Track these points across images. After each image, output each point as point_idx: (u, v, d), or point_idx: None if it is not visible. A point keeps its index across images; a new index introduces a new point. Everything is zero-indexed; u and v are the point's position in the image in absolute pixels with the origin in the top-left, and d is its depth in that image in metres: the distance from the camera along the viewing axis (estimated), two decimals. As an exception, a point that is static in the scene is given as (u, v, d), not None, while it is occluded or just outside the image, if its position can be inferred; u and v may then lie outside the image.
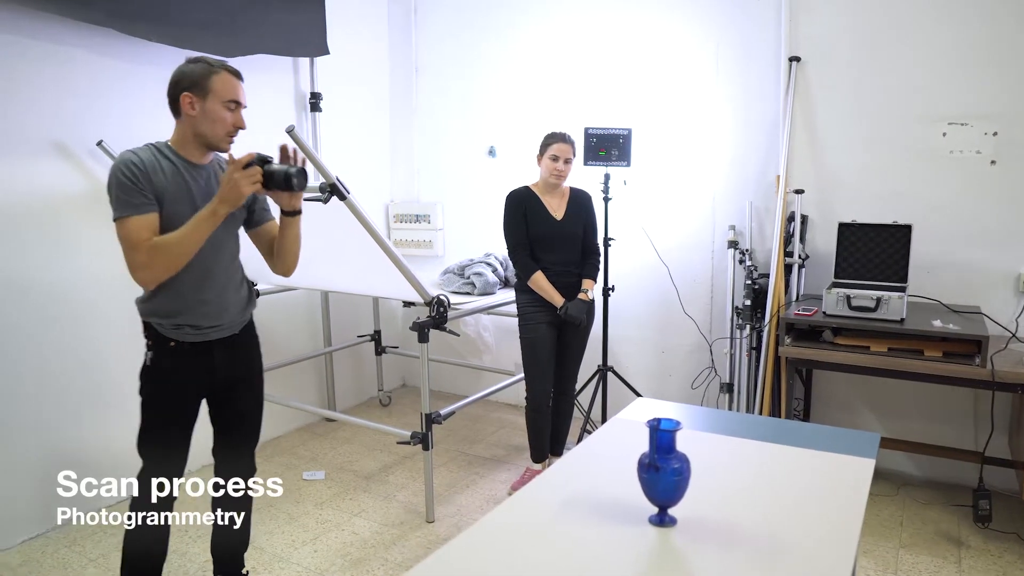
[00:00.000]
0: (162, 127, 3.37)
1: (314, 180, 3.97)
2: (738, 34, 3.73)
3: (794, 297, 3.54)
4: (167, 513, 2.33)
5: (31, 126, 2.95)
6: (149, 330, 2.24)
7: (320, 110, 4.11)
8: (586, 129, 3.66)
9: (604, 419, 3.96)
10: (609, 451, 2.01)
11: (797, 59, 3.56)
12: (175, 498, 2.33)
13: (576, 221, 3.39)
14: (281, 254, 2.35)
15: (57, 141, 3.03)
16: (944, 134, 3.35)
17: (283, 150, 2.18)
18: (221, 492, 2.47)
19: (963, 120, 3.31)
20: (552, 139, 3.28)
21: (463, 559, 1.47)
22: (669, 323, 4.08)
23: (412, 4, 4.63)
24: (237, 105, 2.16)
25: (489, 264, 3.91)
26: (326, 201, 2.62)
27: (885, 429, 3.61)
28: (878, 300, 3.07)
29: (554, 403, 3.51)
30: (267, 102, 3.88)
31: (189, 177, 2.14)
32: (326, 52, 3.99)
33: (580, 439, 3.77)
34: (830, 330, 3.17)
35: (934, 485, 3.49)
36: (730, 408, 3.70)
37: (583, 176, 3.98)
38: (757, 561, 1.45)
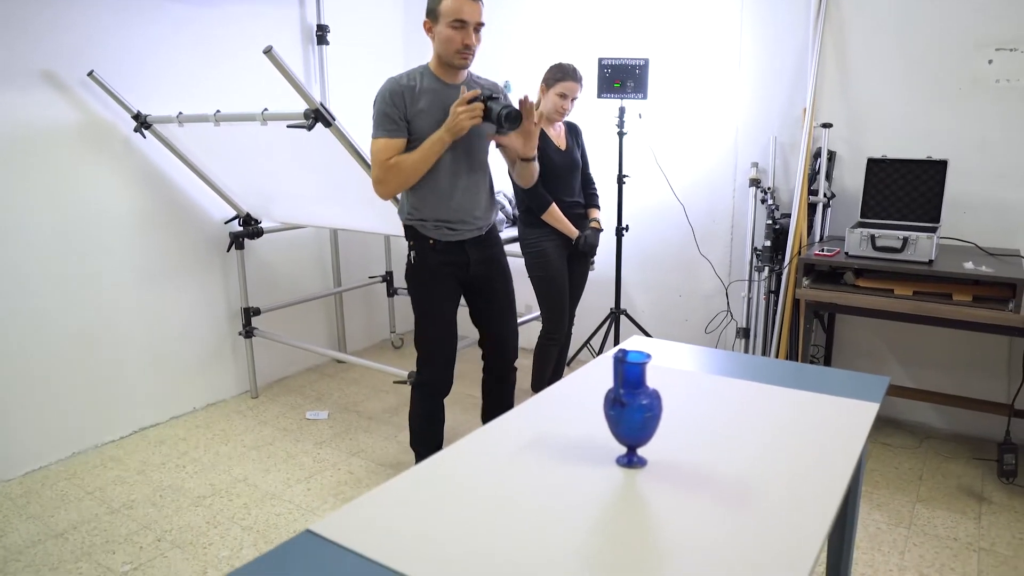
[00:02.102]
0: (159, 57, 3.32)
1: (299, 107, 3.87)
2: (765, -47, 3.45)
3: (818, 238, 3.33)
4: (443, 393, 2.70)
5: (19, 55, 2.87)
6: (411, 232, 2.54)
7: (327, 43, 3.96)
8: (600, 59, 3.46)
9: (616, 364, 3.84)
10: (588, 389, 1.89)
11: (829, -20, 3.29)
12: (451, 381, 2.70)
13: (574, 150, 3.28)
14: (519, 175, 2.64)
15: (47, 71, 2.95)
16: (990, 61, 3.06)
17: (522, 102, 2.31)
18: (488, 377, 2.87)
19: (1012, 45, 3.02)
20: (563, 76, 3.09)
21: (402, 500, 1.37)
22: (684, 265, 3.90)
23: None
24: (463, 24, 2.29)
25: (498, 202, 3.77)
26: (310, 128, 2.51)
27: (911, 379, 3.41)
28: (905, 240, 2.86)
29: None
30: (271, 36, 3.75)
31: (444, 96, 2.37)
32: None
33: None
34: (852, 272, 2.98)
35: (959, 438, 3.30)
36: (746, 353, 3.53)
37: (596, 109, 3.80)
38: (725, 505, 1.32)
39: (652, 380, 1.80)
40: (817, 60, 3.32)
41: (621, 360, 1.47)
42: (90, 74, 3.03)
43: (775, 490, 1.38)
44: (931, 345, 3.35)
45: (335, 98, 4.06)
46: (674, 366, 2.04)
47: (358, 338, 4.54)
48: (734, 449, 1.55)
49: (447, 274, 2.57)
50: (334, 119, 2.51)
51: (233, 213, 3.65)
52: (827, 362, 3.53)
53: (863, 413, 1.74)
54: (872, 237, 2.91)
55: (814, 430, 1.65)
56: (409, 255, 2.57)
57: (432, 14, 2.35)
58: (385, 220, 3.05)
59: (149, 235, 3.36)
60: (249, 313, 3.71)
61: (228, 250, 3.64)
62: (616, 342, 3.78)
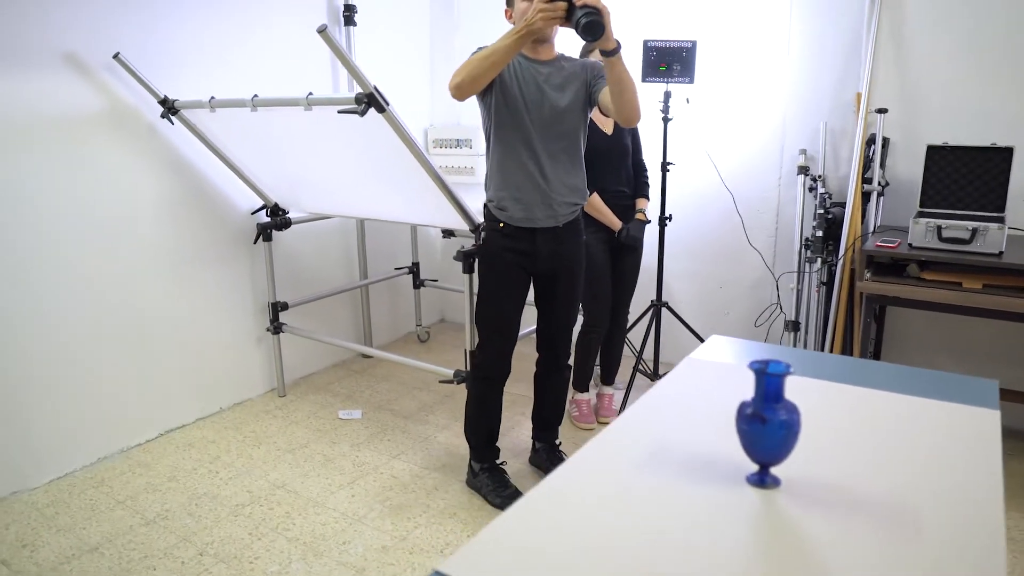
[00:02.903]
0: (186, 37, 3.13)
1: (349, 90, 3.71)
2: (819, -70, 3.31)
3: (871, 228, 3.21)
4: (498, 380, 2.66)
5: (41, 38, 2.68)
6: (486, 211, 2.54)
7: (355, 24, 3.78)
8: (645, 42, 3.31)
9: (656, 358, 3.73)
10: (687, 397, 1.76)
11: (887, -41, 3.16)
12: (509, 371, 2.67)
13: (624, 135, 3.15)
14: (614, 101, 2.29)
15: (70, 53, 2.77)
16: (1056, 43, 2.95)
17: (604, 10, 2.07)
18: (540, 369, 2.81)
19: (1080, 27, 2.91)
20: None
21: (528, 527, 1.24)
22: (728, 256, 3.78)
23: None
24: None
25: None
26: (363, 113, 2.35)
27: (963, 371, 3.32)
28: (974, 231, 2.75)
29: (608, 333, 3.29)
30: (298, 16, 3.57)
31: (534, 71, 2.39)
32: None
33: (632, 378, 3.55)
34: (916, 264, 2.87)
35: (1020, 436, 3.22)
36: (796, 347, 3.42)
37: (641, 94, 3.65)
38: (883, 530, 1.20)
39: (739, 383, 1.68)
40: (874, 43, 3.18)
41: (762, 372, 1.34)
42: (116, 56, 2.85)
43: (932, 511, 1.26)
44: (983, 338, 3.25)
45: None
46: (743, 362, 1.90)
47: (383, 331, 4.39)
48: (868, 463, 1.43)
49: (511, 261, 2.52)
50: (388, 104, 2.36)
51: (260, 203, 3.48)
52: (876, 355, 3.43)
53: (987, 421, 1.63)
54: (939, 228, 2.80)
55: (946, 441, 1.53)
56: (480, 235, 2.58)
57: (509, 3, 2.43)
58: (431, 210, 2.89)
59: (173, 227, 3.19)
60: (277, 308, 3.55)
61: (255, 242, 3.48)
62: (657, 336, 3.67)
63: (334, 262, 4.00)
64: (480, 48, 2.29)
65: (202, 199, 3.29)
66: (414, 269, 4.34)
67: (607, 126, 3.08)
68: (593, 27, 2.02)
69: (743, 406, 1.38)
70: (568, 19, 2.07)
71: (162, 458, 3.05)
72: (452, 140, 4.32)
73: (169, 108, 2.99)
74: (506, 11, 2.46)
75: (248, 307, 3.55)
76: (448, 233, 4.40)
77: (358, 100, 2.34)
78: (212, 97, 2.88)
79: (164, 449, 3.13)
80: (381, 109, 2.35)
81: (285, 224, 3.51)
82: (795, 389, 1.78)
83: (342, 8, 3.76)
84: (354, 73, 2.27)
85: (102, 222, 2.92)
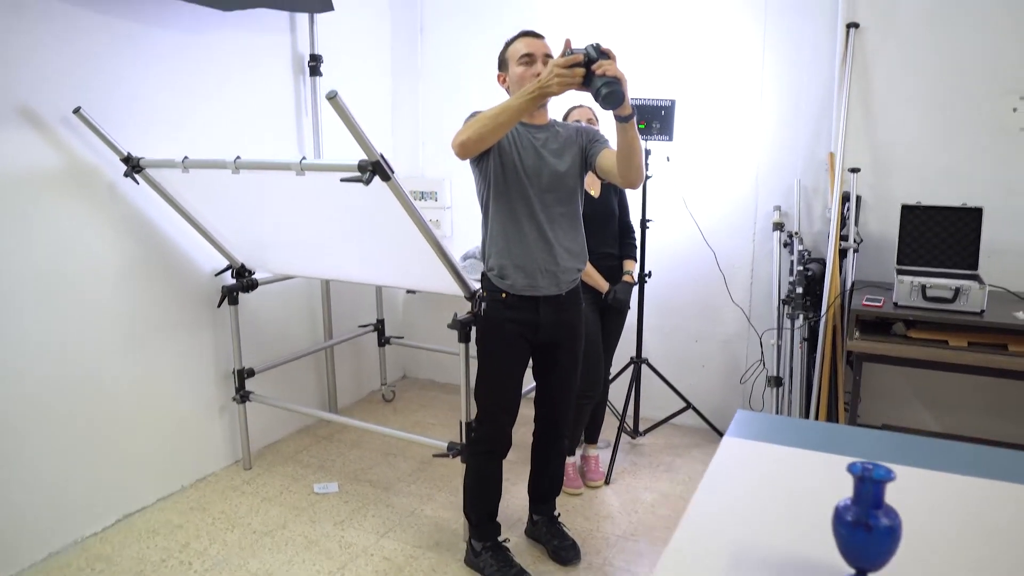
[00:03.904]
0: (152, 91, 2.92)
1: (313, 146, 3.56)
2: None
3: (848, 284, 3.28)
4: (499, 454, 2.57)
5: (-6, 90, 2.44)
6: (485, 282, 2.46)
7: (320, 75, 3.64)
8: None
9: (636, 415, 3.69)
10: (746, 487, 1.70)
11: (855, 25, 3.26)
12: (510, 444, 2.57)
13: (611, 197, 3.14)
14: (621, 164, 2.24)
15: (25, 107, 2.53)
16: (1015, 109, 3.11)
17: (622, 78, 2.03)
18: (537, 440, 2.72)
19: (1037, 95, 3.07)
20: (572, 105, 3.10)
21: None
22: (703, 310, 3.79)
23: (416, -43, 4.18)
24: (531, 57, 2.32)
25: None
26: (367, 182, 2.22)
27: (940, 424, 3.41)
28: (957, 290, 2.83)
29: None
30: (262, 65, 3.41)
31: (531, 136, 2.36)
32: (330, 7, 3.51)
33: (618, 439, 3.49)
34: (902, 323, 2.93)
35: None
36: (779, 403, 3.45)
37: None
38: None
39: (792, 468, 1.64)
40: (846, 106, 3.28)
41: (868, 480, 1.29)
42: (77, 111, 2.62)
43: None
44: (954, 389, 3.36)
45: (328, 132, 3.73)
46: (794, 445, 1.87)
47: (347, 392, 4.19)
48: (964, 559, 1.39)
49: (514, 332, 2.44)
50: (393, 172, 2.24)
51: (224, 264, 3.26)
52: (850, 406, 3.48)
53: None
54: (923, 287, 2.87)
55: None
56: (480, 306, 2.48)
57: (502, 65, 2.42)
58: (421, 275, 2.77)
59: (132, 291, 2.94)
60: (243, 375, 3.32)
61: (219, 305, 3.25)
62: (638, 393, 3.63)
63: (299, 323, 3.80)
64: (477, 112, 2.23)
65: (163, 261, 3.06)
66: (379, 327, 4.18)
67: (594, 188, 3.05)
68: (614, 96, 1.99)
69: (842, 510, 1.33)
70: (585, 84, 2.03)
71: (124, 549, 2.77)
72: (416, 192, 4.21)
73: (133, 166, 2.77)
74: (499, 75, 2.43)
75: (210, 375, 3.31)
76: (412, 291, 4.28)
77: (362, 168, 2.21)
78: (185, 157, 2.69)
79: (125, 538, 2.84)
80: (386, 177, 2.23)
81: (252, 286, 3.31)
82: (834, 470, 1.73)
83: (307, 59, 3.61)
84: (361, 140, 2.15)
85: (54, 287, 2.65)
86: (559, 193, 2.38)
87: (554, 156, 2.37)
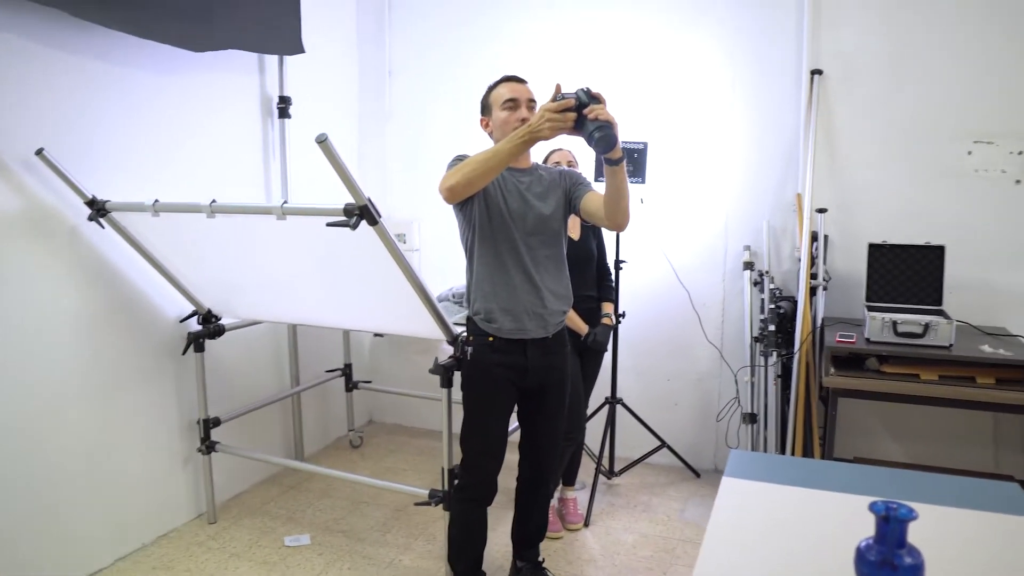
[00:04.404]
0: (118, 134, 2.83)
1: (280, 187, 3.49)
2: (756, 47, 3.52)
3: (818, 321, 3.35)
4: (486, 501, 2.51)
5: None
6: (471, 326, 2.41)
7: (289, 116, 3.60)
8: (593, 143, 3.35)
9: (612, 455, 3.67)
10: (753, 529, 1.68)
11: (819, 72, 3.39)
12: (495, 488, 2.51)
13: (590, 240, 3.16)
14: (609, 207, 2.25)
15: (-14, 150, 2.43)
16: (969, 152, 3.25)
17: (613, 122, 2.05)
18: (522, 485, 2.66)
19: (989, 139, 3.22)
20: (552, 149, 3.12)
21: None
22: (675, 349, 3.82)
23: (385, 1, 4.18)
24: (515, 102, 2.31)
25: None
26: (354, 226, 2.18)
27: (906, 454, 3.48)
28: (926, 326, 2.91)
29: None
30: (231, 107, 3.35)
31: (515, 180, 2.36)
32: (301, 50, 3.49)
33: (595, 480, 3.45)
34: (875, 358, 2.99)
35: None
36: (754, 440, 3.47)
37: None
38: None
39: (792, 507, 1.64)
40: (813, 149, 3.38)
41: (892, 519, 1.29)
42: (39, 153, 2.52)
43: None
44: (916, 420, 3.44)
45: (295, 175, 3.67)
46: (778, 482, 1.87)
47: (314, 439, 4.06)
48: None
49: (502, 377, 2.40)
50: (380, 216, 2.20)
51: (189, 310, 3.15)
52: (823, 441, 3.53)
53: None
54: (894, 323, 2.94)
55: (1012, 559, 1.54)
56: (465, 351, 2.44)
57: (485, 109, 2.41)
58: (400, 319, 2.72)
59: (93, 338, 2.80)
60: (208, 425, 3.19)
61: (184, 352, 3.13)
62: (613, 433, 3.61)
63: (265, 370, 3.68)
64: (461, 156, 2.22)
65: (125, 307, 2.94)
66: (347, 371, 4.08)
67: (574, 231, 3.05)
68: (607, 140, 2.01)
69: (864, 551, 1.32)
70: (576, 128, 2.04)
71: (84, 615, 2.61)
72: (384, 234, 4.16)
73: (98, 210, 2.67)
74: (482, 120, 2.43)
75: (174, 425, 3.17)
76: (379, 334, 4.21)
77: (348, 212, 2.17)
78: (156, 200, 2.60)
79: (84, 603, 2.68)
80: (373, 222, 2.19)
81: (218, 332, 3.20)
82: (820, 505, 1.73)
83: (276, 101, 3.57)
84: (349, 184, 2.11)
85: (11, 336, 2.52)
86: (544, 236, 2.38)
87: (538, 199, 2.37)
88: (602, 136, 1.99)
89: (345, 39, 4.15)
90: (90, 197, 2.66)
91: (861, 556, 1.33)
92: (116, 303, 2.90)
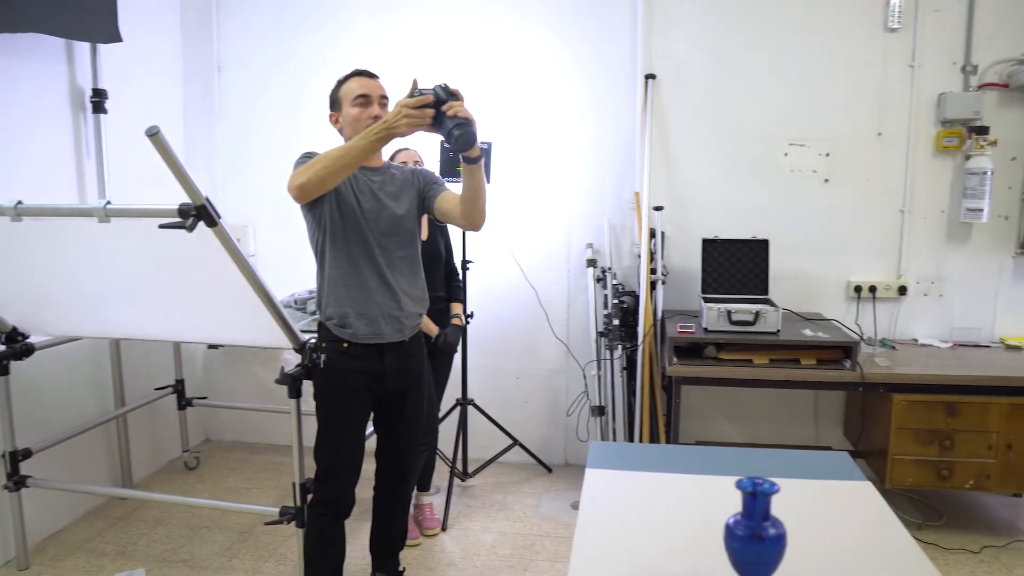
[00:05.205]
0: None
1: (97, 188, 3.20)
2: (594, 50, 3.63)
3: (658, 314, 3.51)
4: (343, 514, 2.40)
5: None
6: (324, 332, 2.31)
7: (105, 112, 3.26)
8: (442, 142, 3.31)
9: (465, 457, 3.65)
10: (630, 515, 1.71)
11: (652, 76, 3.55)
12: (353, 501, 2.40)
13: (439, 240, 3.14)
14: (463, 206, 2.22)
15: None
16: (785, 154, 3.54)
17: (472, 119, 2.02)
18: (381, 494, 2.57)
19: (801, 141, 3.52)
20: (397, 148, 3.09)
21: None
22: (523, 348, 3.86)
23: (212, -10, 3.92)
24: (366, 98, 2.23)
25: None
26: (191, 228, 2.01)
27: (741, 435, 3.73)
28: (756, 313, 3.13)
29: None
30: (34, 99, 2.99)
31: (368, 180, 2.28)
32: (118, 39, 3.18)
33: (451, 483, 3.41)
34: (714, 346, 3.17)
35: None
36: (603, 431, 3.57)
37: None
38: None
39: (612, 486, 1.71)
40: (649, 148, 3.54)
41: (759, 494, 1.35)
42: None
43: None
44: (745, 402, 3.71)
45: (114, 176, 3.35)
46: (637, 469, 1.95)
47: (144, 463, 3.71)
48: (821, 561, 1.50)
49: (359, 383, 2.32)
50: (220, 217, 2.04)
51: (-10, 328, 2.78)
52: (668, 428, 3.70)
53: (865, 493, 1.82)
54: (728, 312, 3.14)
55: (861, 521, 1.67)
56: (319, 358, 2.31)
57: (335, 104, 2.31)
58: (239, 327, 2.55)
59: None
60: (17, 457, 2.83)
61: (-16, 377, 2.76)
62: (465, 434, 3.59)
63: (84, 391, 3.32)
64: (310, 153, 2.12)
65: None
66: (179, 387, 3.77)
67: (423, 231, 3.00)
68: (466, 138, 1.98)
69: (733, 526, 1.38)
70: (434, 125, 2.00)
71: None
72: (217, 239, 3.89)
73: None
74: (331, 115, 2.33)
75: (-27, 460, 2.79)
76: (214, 346, 3.94)
77: (184, 213, 2.00)
78: (-53, 203, 2.27)
79: None
80: (212, 223, 2.03)
81: (26, 352, 2.85)
82: (688, 489, 1.82)
83: (89, 94, 3.23)
84: (184, 182, 1.94)
85: None
86: (399, 237, 2.32)
87: (391, 199, 2.31)
88: (462, 134, 1.96)
89: (168, 29, 3.84)
90: None
91: (731, 532, 1.39)
92: None
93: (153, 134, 1.81)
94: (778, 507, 1.38)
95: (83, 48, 3.20)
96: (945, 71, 3.42)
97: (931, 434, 2.99)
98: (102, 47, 3.23)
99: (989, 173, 3.29)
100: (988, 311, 3.53)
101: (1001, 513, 3.35)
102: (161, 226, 2.00)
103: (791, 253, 3.57)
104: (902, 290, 3.55)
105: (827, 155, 3.51)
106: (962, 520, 3.27)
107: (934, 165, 3.48)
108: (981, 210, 3.32)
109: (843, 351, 3.10)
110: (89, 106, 3.24)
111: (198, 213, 2.00)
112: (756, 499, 1.35)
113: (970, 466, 2.99)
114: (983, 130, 3.34)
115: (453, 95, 1.97)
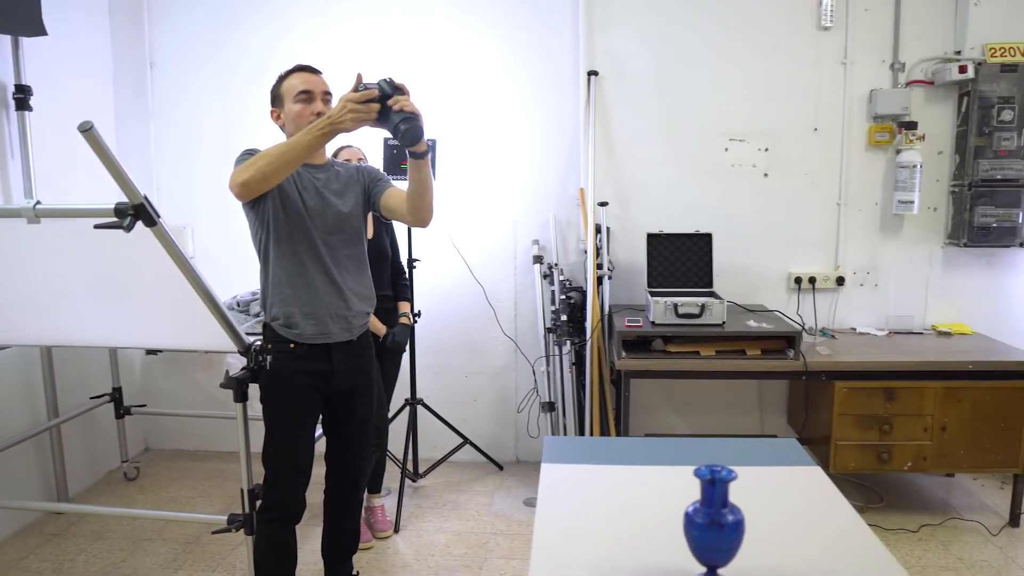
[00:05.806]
0: None
1: (25, 187, 3.07)
2: (538, 46, 3.64)
3: (606, 308, 3.53)
4: (295, 519, 2.34)
5: None
6: (270, 333, 2.25)
7: (30, 108, 3.12)
8: (386, 140, 3.28)
9: (416, 457, 3.62)
10: (588, 508, 1.71)
11: (595, 73, 3.58)
12: (304, 505, 2.35)
13: (384, 238, 3.10)
14: (410, 202, 2.19)
15: None
16: (726, 149, 3.61)
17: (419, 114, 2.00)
18: (332, 496, 2.51)
19: (741, 136, 3.59)
20: (340, 147, 3.04)
21: None
22: (471, 346, 3.85)
23: (142, -15, 3.78)
24: (309, 94, 2.18)
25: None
26: (128, 228, 1.93)
27: (688, 426, 3.78)
28: (703, 306, 3.18)
29: None
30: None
31: (311, 177, 2.23)
32: (43, 32, 3.03)
33: (402, 484, 3.38)
34: (661, 339, 3.21)
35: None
36: (553, 426, 3.58)
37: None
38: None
39: (618, 485, 1.72)
40: (593, 144, 3.56)
41: (717, 481, 1.37)
42: None
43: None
44: (691, 393, 3.77)
45: (43, 175, 3.20)
46: (591, 462, 1.96)
47: (80, 476, 3.56)
48: (776, 544, 1.53)
49: (306, 384, 2.27)
50: (159, 216, 1.97)
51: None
52: (618, 421, 3.74)
53: (815, 477, 1.87)
54: (675, 306, 3.18)
55: (804, 504, 1.71)
56: (264, 360, 2.26)
57: (276, 100, 2.26)
58: (177, 330, 2.47)
59: None
60: (-60, 474, 2.69)
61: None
62: (415, 434, 3.56)
63: (12, 402, 3.16)
64: (252, 150, 2.07)
65: None
66: (116, 395, 3.63)
67: (368, 230, 2.96)
68: (413, 133, 1.96)
69: (692, 514, 1.40)
70: (379, 120, 1.97)
71: None
72: (153, 241, 3.76)
73: None
74: (272, 111, 2.28)
75: None
76: (153, 351, 3.80)
77: (121, 212, 1.92)
78: None
79: None
80: (151, 222, 1.96)
81: (-51, 361, 2.71)
82: (643, 478, 1.84)
83: (12, 89, 3.08)
84: (121, 180, 1.87)
85: None
86: (344, 235, 2.28)
87: (336, 196, 2.27)
88: (408, 128, 1.94)
89: (97, 24, 3.69)
90: None
91: (690, 520, 1.40)
92: None
93: (87, 130, 1.73)
94: (734, 494, 1.41)
95: (4, 41, 3.05)
96: (875, 68, 3.53)
97: (871, 419, 3.09)
98: (25, 41, 3.09)
99: (918, 166, 3.42)
100: (920, 299, 3.66)
101: (936, 493, 3.48)
102: (97, 226, 1.91)
103: (734, 246, 3.64)
104: (840, 281, 3.66)
105: (766, 150, 3.59)
106: (901, 501, 3.39)
107: (867, 159, 3.59)
108: (912, 202, 3.45)
109: (786, 341, 3.17)
110: (12, 103, 3.09)
111: (136, 212, 1.92)
112: (715, 486, 1.37)
113: (908, 448, 3.10)
114: (912, 125, 3.46)
115: (399, 89, 1.95)
